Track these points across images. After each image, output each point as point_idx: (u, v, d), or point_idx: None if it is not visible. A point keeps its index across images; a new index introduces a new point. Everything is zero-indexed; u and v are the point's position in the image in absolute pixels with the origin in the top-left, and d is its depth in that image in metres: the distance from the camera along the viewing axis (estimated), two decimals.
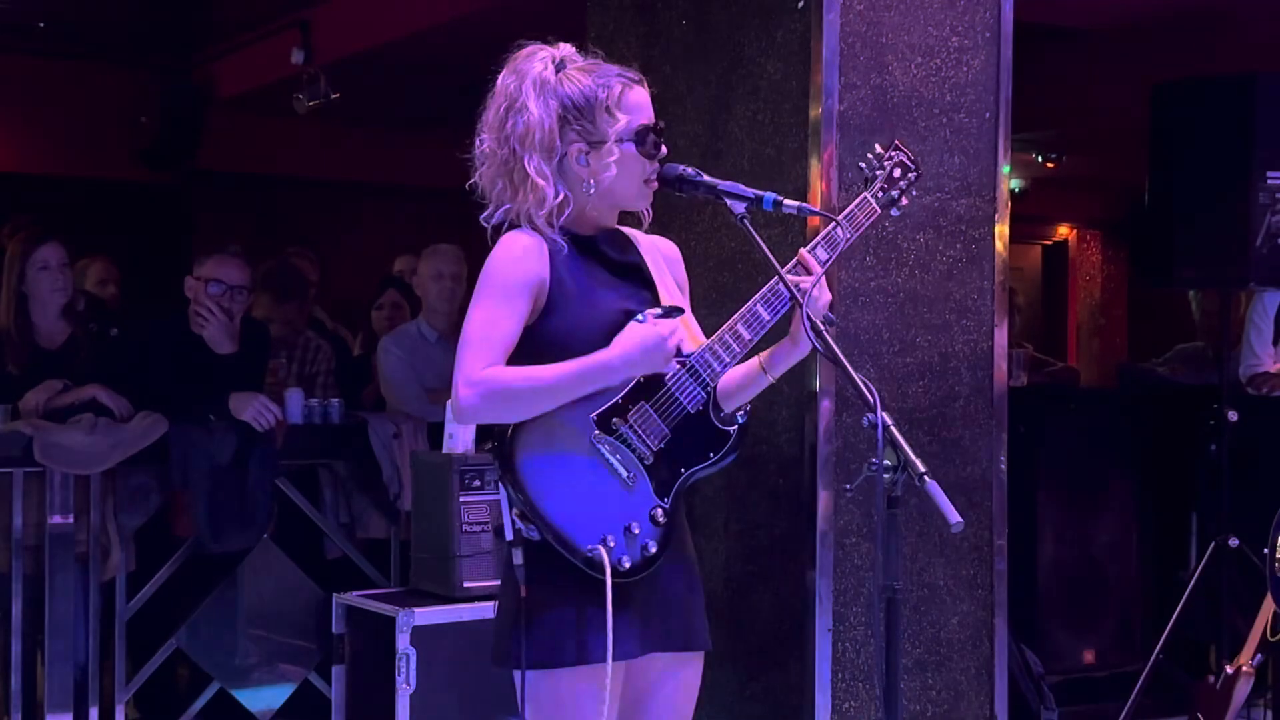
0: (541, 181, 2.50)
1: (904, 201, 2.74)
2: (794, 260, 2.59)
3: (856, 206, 2.68)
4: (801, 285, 2.54)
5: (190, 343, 4.75)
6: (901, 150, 2.75)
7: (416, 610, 3.87)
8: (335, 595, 4.19)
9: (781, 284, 2.55)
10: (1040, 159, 9.63)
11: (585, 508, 2.47)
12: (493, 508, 3.98)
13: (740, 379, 2.65)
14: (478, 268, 2.55)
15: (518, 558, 2.48)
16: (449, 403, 2.45)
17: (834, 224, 2.63)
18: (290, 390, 4.96)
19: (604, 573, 2.44)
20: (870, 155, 2.74)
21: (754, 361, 2.63)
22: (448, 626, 3.88)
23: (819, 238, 2.62)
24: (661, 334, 2.48)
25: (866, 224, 2.68)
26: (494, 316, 2.46)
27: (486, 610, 3.79)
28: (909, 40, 3.79)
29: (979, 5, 3.90)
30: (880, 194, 2.71)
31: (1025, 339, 6.84)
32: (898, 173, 2.73)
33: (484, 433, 4.13)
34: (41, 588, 4.39)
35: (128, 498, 4.54)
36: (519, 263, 2.49)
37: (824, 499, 3.65)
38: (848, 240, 2.64)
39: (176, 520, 4.73)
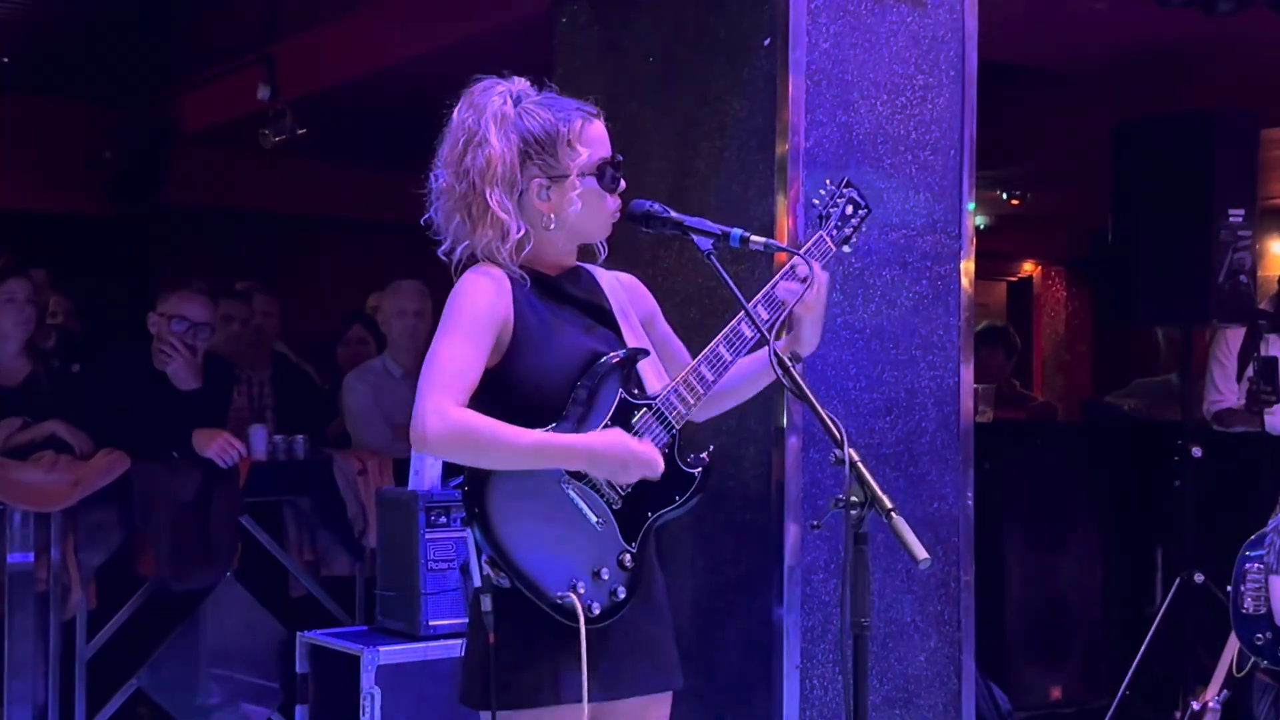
0: (504, 215, 2.49)
1: (855, 240, 2.79)
2: (784, 269, 2.63)
3: (814, 245, 2.72)
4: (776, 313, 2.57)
5: (153, 379, 4.73)
6: (853, 187, 2.80)
7: (382, 649, 3.84)
8: (299, 634, 4.15)
9: (745, 323, 2.56)
10: (1005, 196, 9.69)
11: (554, 554, 2.46)
12: (459, 545, 3.96)
13: (748, 371, 2.68)
14: (441, 303, 2.54)
15: (486, 604, 2.45)
16: (410, 430, 2.42)
17: (795, 259, 2.66)
18: (254, 426, 4.93)
19: (576, 620, 2.43)
20: (823, 191, 2.78)
21: (757, 357, 2.63)
22: (413, 665, 3.85)
23: (778, 275, 2.65)
24: (640, 458, 2.46)
25: (823, 261, 2.72)
26: (462, 354, 2.44)
27: (453, 649, 3.76)
28: (874, 78, 3.82)
29: (943, 44, 3.94)
30: (835, 232, 2.76)
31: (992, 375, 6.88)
32: (850, 210, 2.78)
33: (450, 469, 4.11)
34: (0, 627, 4.34)
35: (88, 536, 4.50)
36: (485, 301, 2.47)
37: (791, 535, 3.64)
38: (808, 279, 2.66)
39: (138, 558, 4.69)
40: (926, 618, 3.89)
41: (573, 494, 2.49)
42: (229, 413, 5.06)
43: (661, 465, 2.50)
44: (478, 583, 2.46)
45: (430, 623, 3.92)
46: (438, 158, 2.56)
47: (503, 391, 2.48)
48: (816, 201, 2.79)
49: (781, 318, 2.63)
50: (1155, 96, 6.47)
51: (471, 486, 2.46)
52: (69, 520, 4.46)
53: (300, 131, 7.05)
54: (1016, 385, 7.28)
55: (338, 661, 3.92)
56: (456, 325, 2.46)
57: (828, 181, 2.82)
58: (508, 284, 2.50)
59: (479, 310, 2.46)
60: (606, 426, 2.50)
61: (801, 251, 2.69)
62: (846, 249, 2.79)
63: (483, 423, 2.41)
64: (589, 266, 2.69)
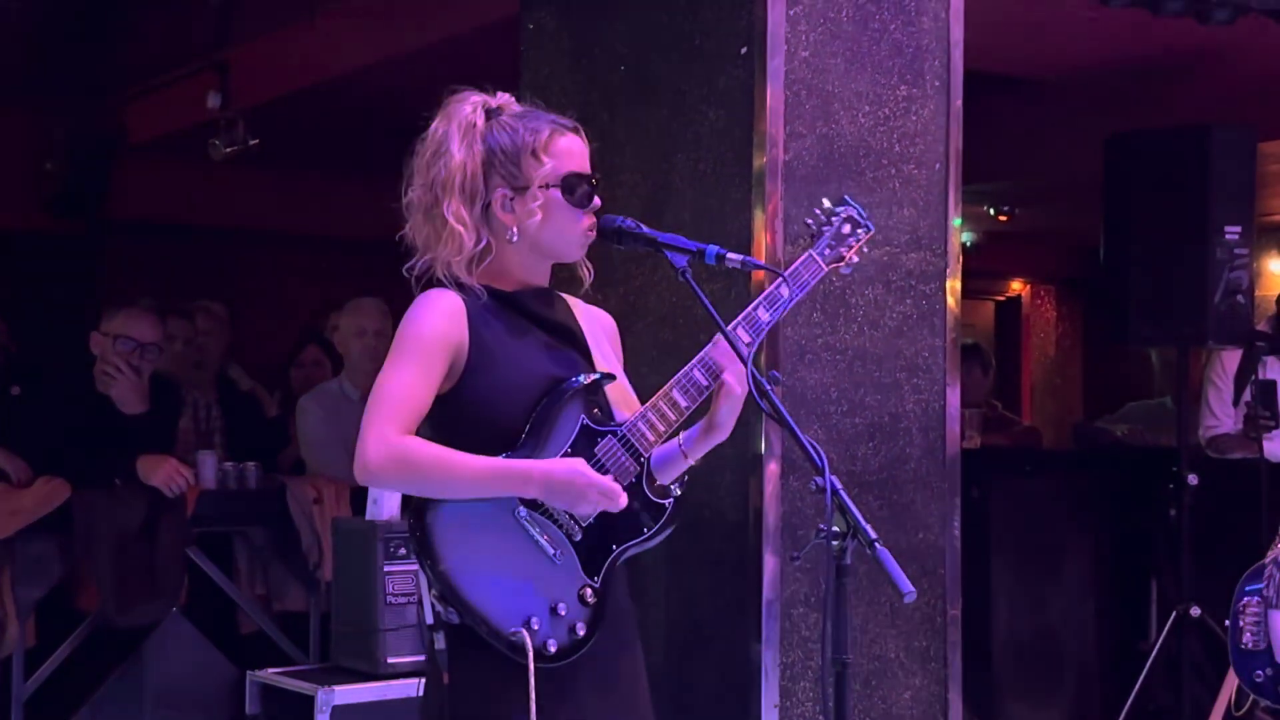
0: (460, 227, 2.49)
1: (854, 259, 2.75)
2: (768, 290, 2.59)
3: (801, 264, 2.68)
4: (718, 360, 2.54)
5: (96, 402, 4.70)
6: (851, 205, 2.77)
7: (337, 688, 3.82)
8: (250, 672, 4.13)
9: (719, 345, 2.55)
10: (992, 212, 9.74)
11: (508, 588, 2.44)
12: (419, 578, 3.94)
13: (663, 458, 2.64)
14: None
15: (440, 642, 2.44)
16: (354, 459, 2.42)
17: (779, 281, 2.64)
18: (203, 453, 4.91)
19: (535, 659, 2.41)
20: (818, 210, 2.76)
21: (674, 442, 2.62)
22: (371, 705, 3.84)
23: (760, 297, 2.63)
24: (600, 488, 2.44)
25: (812, 283, 2.68)
26: (411, 379, 2.44)
27: (412, 688, 3.73)
28: (856, 88, 3.84)
29: (928, 53, 3.96)
30: (828, 251, 2.72)
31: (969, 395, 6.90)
32: (847, 229, 2.74)
33: (410, 498, 4.10)
34: None
35: (27, 568, 4.47)
36: (436, 324, 2.47)
37: (770, 567, 3.65)
38: (793, 300, 2.64)
39: (79, 592, 4.67)
40: (911, 654, 3.90)
41: (527, 524, 2.47)
42: (176, 438, 5.04)
43: (624, 500, 2.48)
44: (429, 619, 2.45)
45: (389, 660, 3.91)
46: (411, 169, 2.57)
47: (456, 417, 2.48)
48: (809, 221, 2.75)
49: (761, 340, 2.62)
50: (1149, 108, 6.52)
51: (416, 517, 2.45)
52: (6, 552, 4.43)
53: (253, 142, 7.04)
54: (998, 406, 7.31)
55: (291, 702, 3.90)
56: (405, 350, 2.47)
57: (825, 200, 2.79)
58: (462, 305, 2.50)
59: (429, 334, 2.47)
60: (566, 454, 2.49)
61: (787, 272, 2.65)
62: (845, 270, 2.76)
63: (427, 450, 2.41)
64: (568, 296, 2.69)
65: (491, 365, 2.49)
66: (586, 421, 2.53)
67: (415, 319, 2.48)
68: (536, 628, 2.44)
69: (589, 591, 2.51)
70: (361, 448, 2.41)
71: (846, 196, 2.81)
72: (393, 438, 2.40)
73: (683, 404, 2.55)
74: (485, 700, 2.45)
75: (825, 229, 2.73)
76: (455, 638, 2.45)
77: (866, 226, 2.77)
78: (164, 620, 4.60)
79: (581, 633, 2.49)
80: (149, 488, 4.52)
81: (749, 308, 2.62)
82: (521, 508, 2.47)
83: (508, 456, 2.46)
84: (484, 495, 2.45)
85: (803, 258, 2.69)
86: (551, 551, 2.48)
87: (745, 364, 2.51)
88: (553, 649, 2.46)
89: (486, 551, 2.45)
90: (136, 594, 4.50)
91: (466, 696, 2.44)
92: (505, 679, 2.43)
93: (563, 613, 2.48)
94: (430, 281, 2.54)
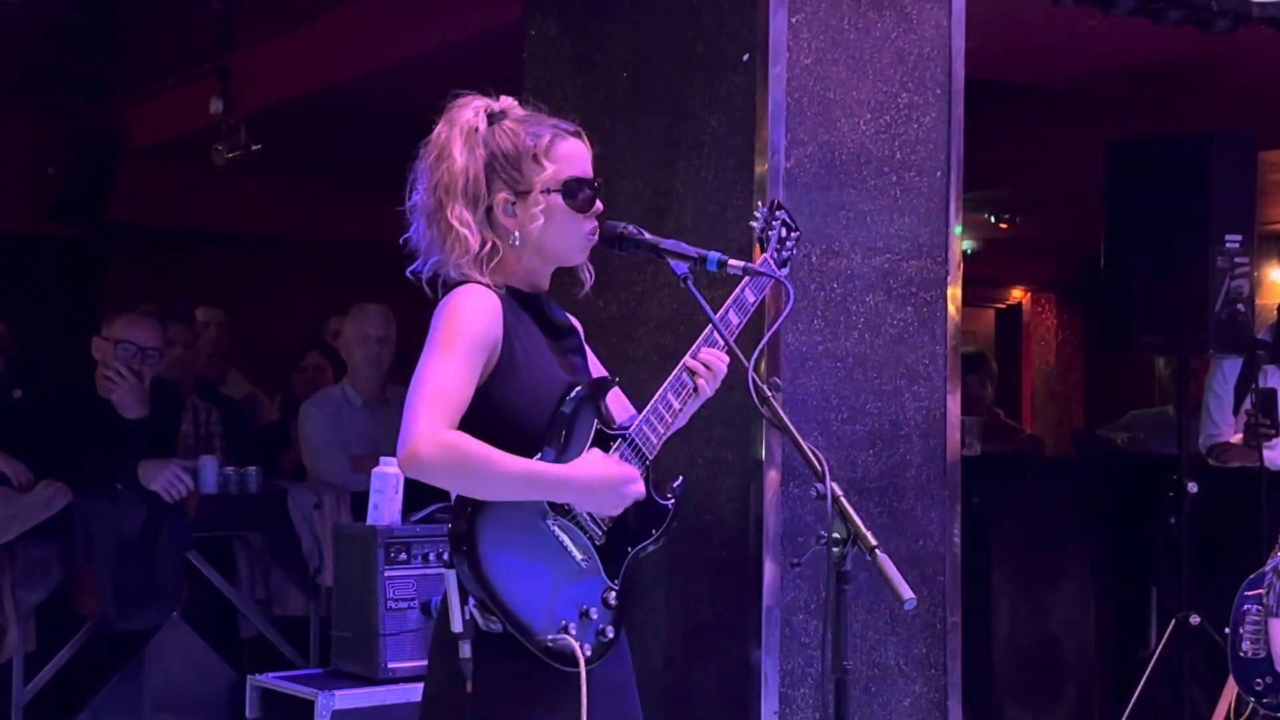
0: (464, 230, 2.50)
1: (789, 262, 2.85)
2: (732, 297, 2.66)
3: (760, 267, 2.75)
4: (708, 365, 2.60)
5: (97, 406, 4.70)
6: (784, 209, 2.87)
7: (337, 693, 3.82)
8: (250, 677, 4.13)
9: (705, 346, 2.62)
10: (993, 219, 9.76)
11: (543, 595, 2.46)
12: (419, 582, 3.95)
13: None
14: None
15: (465, 651, 2.44)
16: (398, 449, 2.41)
17: (744, 282, 2.69)
18: (204, 458, 4.91)
19: (570, 662, 2.43)
20: (759, 215, 2.83)
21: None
22: (371, 710, 3.84)
23: (729, 301, 2.68)
24: (628, 479, 2.50)
25: (768, 287, 2.77)
26: (456, 373, 2.44)
27: (412, 693, 3.74)
28: (858, 96, 3.85)
29: (929, 61, 3.96)
30: (775, 254, 2.82)
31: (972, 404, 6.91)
32: (784, 232, 2.85)
33: (410, 503, 4.10)
34: None
35: (27, 572, 4.47)
36: (480, 320, 2.47)
37: (770, 573, 3.65)
38: (754, 304, 2.71)
39: (79, 597, 4.67)
40: (911, 661, 3.90)
41: (557, 530, 2.49)
42: (177, 442, 5.04)
43: (643, 486, 2.54)
44: (458, 627, 2.44)
45: (389, 665, 3.90)
46: (415, 174, 2.58)
47: (485, 416, 2.48)
48: (754, 224, 2.85)
49: (733, 341, 2.67)
50: (1150, 116, 6.53)
51: (458, 525, 2.45)
52: (6, 556, 4.43)
53: (255, 147, 7.05)
54: (1000, 415, 7.31)
55: (291, 706, 3.90)
56: (450, 343, 2.45)
57: (759, 204, 2.89)
58: (499, 305, 2.51)
59: (473, 329, 2.47)
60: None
61: (750, 276, 2.71)
62: (784, 270, 2.83)
63: (477, 447, 2.41)
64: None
65: (517, 367, 2.51)
66: (600, 426, 2.56)
67: (460, 313, 2.47)
68: (573, 633, 2.46)
69: (612, 594, 2.54)
70: (411, 439, 2.38)
71: (775, 200, 2.89)
72: (443, 431, 2.39)
73: (676, 405, 2.61)
74: (515, 708, 2.45)
75: (770, 233, 2.81)
76: (486, 646, 2.45)
77: (799, 230, 2.88)
78: (164, 625, 4.60)
79: (610, 635, 2.52)
80: (149, 492, 4.53)
81: (721, 311, 2.67)
82: (550, 515, 2.49)
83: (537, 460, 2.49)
84: (523, 497, 2.47)
85: (759, 261, 2.78)
86: (579, 558, 2.51)
87: (749, 370, 2.53)
88: (587, 653, 2.48)
89: (523, 559, 2.46)
90: (137, 598, 4.50)
91: (494, 705, 2.44)
92: (536, 687, 2.45)
93: (593, 616, 2.50)
94: (442, 284, 2.54)
